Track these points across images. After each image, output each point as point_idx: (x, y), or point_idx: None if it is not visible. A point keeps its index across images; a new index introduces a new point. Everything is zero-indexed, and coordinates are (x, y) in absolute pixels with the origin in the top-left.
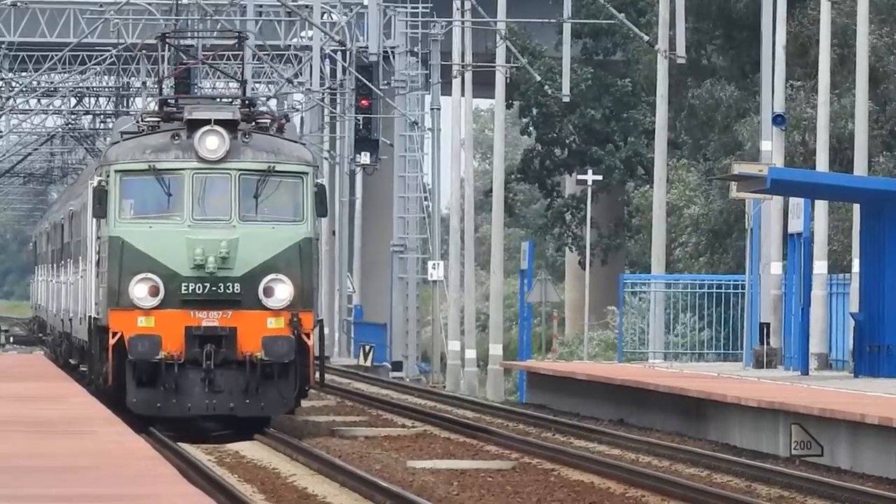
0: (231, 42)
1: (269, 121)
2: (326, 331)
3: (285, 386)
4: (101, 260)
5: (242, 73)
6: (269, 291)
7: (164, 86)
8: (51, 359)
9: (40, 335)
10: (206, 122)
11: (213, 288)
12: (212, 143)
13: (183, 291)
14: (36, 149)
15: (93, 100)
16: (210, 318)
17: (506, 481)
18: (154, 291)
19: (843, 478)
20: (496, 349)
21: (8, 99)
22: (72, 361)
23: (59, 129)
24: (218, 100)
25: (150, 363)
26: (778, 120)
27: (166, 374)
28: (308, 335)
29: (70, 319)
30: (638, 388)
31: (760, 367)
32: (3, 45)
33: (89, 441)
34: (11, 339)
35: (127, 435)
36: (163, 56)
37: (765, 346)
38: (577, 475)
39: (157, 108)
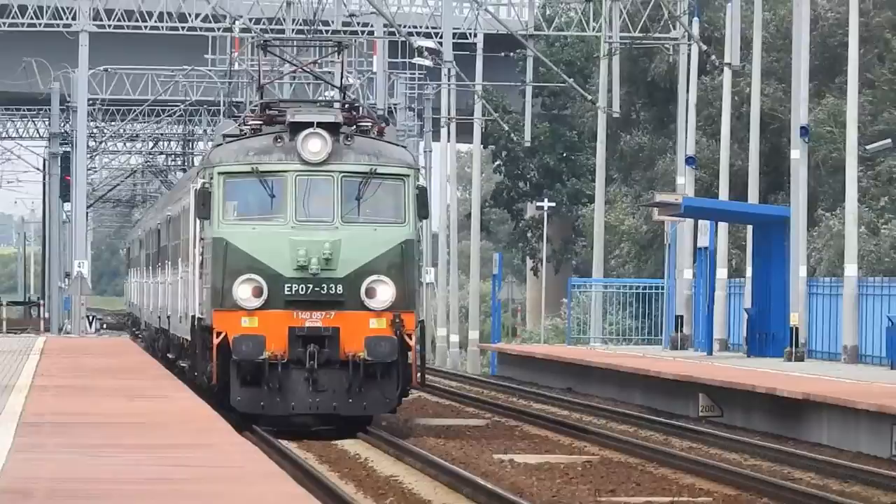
0: (331, 49)
1: (370, 123)
2: None
3: (388, 385)
4: (205, 261)
5: (342, 79)
6: (371, 292)
7: (263, 91)
8: (143, 348)
9: (134, 329)
10: (309, 124)
11: (316, 289)
12: (314, 145)
13: (286, 292)
14: (122, 181)
15: (165, 143)
16: (313, 319)
17: (481, 434)
18: (258, 292)
19: (739, 433)
20: (474, 335)
21: (101, 143)
22: (170, 356)
23: (140, 166)
24: (319, 103)
25: (254, 363)
26: (689, 161)
27: (270, 374)
28: (410, 336)
29: (168, 317)
30: (582, 364)
31: (675, 349)
32: (97, 102)
33: (166, 403)
34: (105, 326)
35: (196, 399)
36: (262, 63)
37: (679, 333)
38: (535, 430)
39: (259, 111)
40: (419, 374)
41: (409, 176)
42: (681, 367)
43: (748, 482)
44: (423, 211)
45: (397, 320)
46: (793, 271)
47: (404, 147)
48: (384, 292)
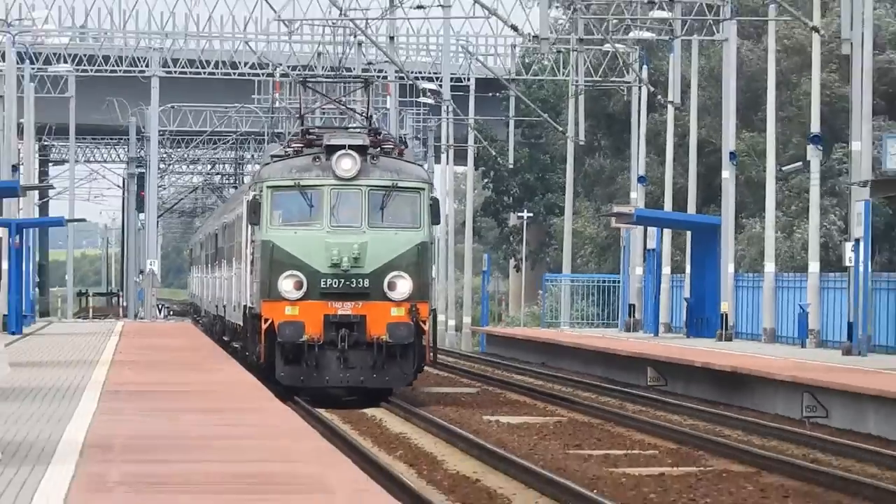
0: (359, 84)
1: (391, 146)
2: None
3: (406, 363)
4: (255, 260)
5: (368, 108)
6: (392, 286)
7: (304, 119)
8: (202, 331)
9: (195, 316)
10: (342, 147)
11: (347, 283)
12: (346, 164)
13: (322, 286)
14: (185, 196)
15: (220, 165)
16: (344, 308)
17: (473, 400)
18: (298, 286)
19: (680, 399)
20: (467, 319)
21: (168, 165)
22: (225, 338)
23: (199, 184)
24: (350, 129)
25: (295, 344)
26: (641, 180)
27: (308, 354)
28: (424, 322)
29: (224, 306)
30: (554, 343)
31: (629, 331)
32: (165, 132)
33: (220, 370)
34: (171, 312)
35: (246, 374)
36: (303, 96)
37: (631, 318)
38: (516, 397)
39: (300, 136)
40: (431, 354)
41: (424, 189)
42: (633, 346)
43: (687, 438)
44: (435, 218)
45: (414, 309)
46: (723, 268)
47: (420, 165)
48: (403, 286)
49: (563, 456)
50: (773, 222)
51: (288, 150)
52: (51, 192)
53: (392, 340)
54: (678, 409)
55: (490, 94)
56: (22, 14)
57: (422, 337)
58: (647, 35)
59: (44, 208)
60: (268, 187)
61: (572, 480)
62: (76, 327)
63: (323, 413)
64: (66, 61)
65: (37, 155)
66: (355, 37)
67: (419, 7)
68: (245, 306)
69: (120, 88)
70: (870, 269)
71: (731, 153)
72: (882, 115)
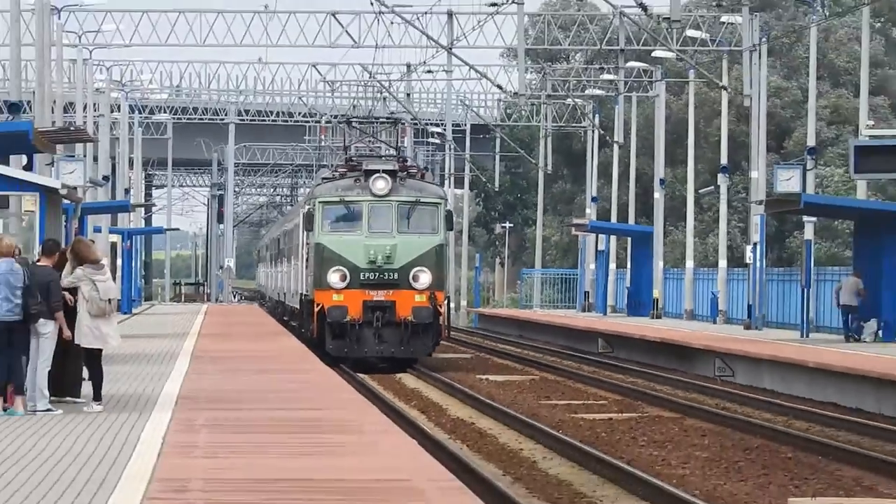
0: (389, 124)
1: (415, 170)
2: None
3: (426, 338)
4: (309, 258)
5: (397, 142)
6: (416, 278)
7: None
8: (266, 312)
9: (261, 301)
10: (377, 171)
11: (381, 276)
12: (380, 184)
13: (361, 278)
14: (253, 211)
15: (280, 189)
16: (378, 295)
17: (468, 364)
18: (343, 278)
19: (623, 363)
20: (464, 302)
21: (241, 189)
22: (285, 318)
23: (264, 203)
24: (384, 157)
25: (340, 323)
26: (594, 199)
27: (351, 331)
28: (440, 306)
29: (284, 293)
30: (528, 320)
31: (584, 311)
32: (239, 164)
33: (280, 342)
34: (242, 298)
35: (301, 346)
36: (348, 133)
37: (587, 301)
38: (500, 361)
39: (345, 163)
40: (446, 331)
41: (440, 204)
42: (587, 322)
43: (629, 392)
44: (449, 226)
45: (433, 296)
46: (655, 265)
47: (438, 185)
48: (424, 278)
49: (536, 405)
50: (692, 230)
51: (335, 173)
52: (153, 209)
53: (416, 320)
54: (622, 369)
55: (481, 136)
56: (133, 77)
57: (439, 318)
58: (598, 92)
59: (148, 220)
60: (319, 202)
61: (543, 423)
62: (172, 309)
63: (362, 376)
64: (165, 112)
65: (143, 181)
66: (381, 93)
67: (428, 71)
68: (301, 294)
69: (205, 132)
70: (764, 266)
71: (660, 179)
72: (772, 151)
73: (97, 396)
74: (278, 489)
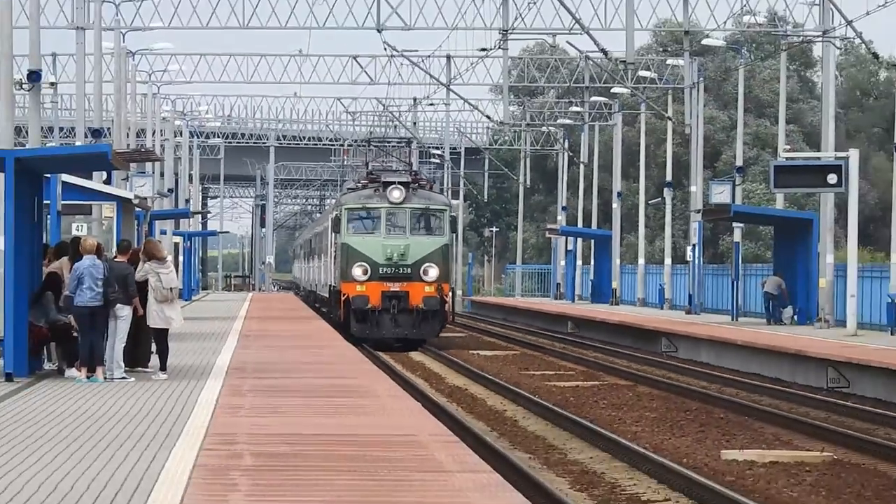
0: (404, 145)
1: (425, 182)
2: None
3: (434, 323)
4: (336, 255)
5: (410, 158)
6: (426, 272)
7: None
8: (300, 299)
9: (296, 290)
10: (393, 182)
11: (396, 270)
12: (396, 193)
13: (380, 272)
14: (289, 217)
15: (311, 199)
16: (394, 286)
17: (462, 342)
18: (365, 272)
19: (588, 341)
20: (459, 292)
21: (279, 199)
22: (317, 305)
23: (298, 210)
24: (399, 171)
25: (363, 310)
26: (564, 209)
27: (371, 316)
28: (446, 296)
29: (316, 284)
30: (511, 306)
31: (556, 299)
32: (278, 179)
33: (312, 324)
34: (280, 288)
35: (329, 328)
36: (369, 151)
37: (558, 291)
38: (488, 339)
39: (366, 176)
40: (451, 317)
41: (446, 210)
42: (559, 308)
43: (592, 364)
44: (453, 229)
45: (440, 287)
46: (613, 261)
47: (443, 194)
48: (433, 272)
49: (518, 375)
50: (643, 234)
51: (358, 185)
52: (208, 216)
53: (426, 307)
54: (586, 346)
55: (473, 157)
56: (192, 108)
57: (445, 306)
58: (567, 121)
59: (204, 225)
60: (345, 209)
61: (523, 389)
62: (223, 296)
63: (379, 353)
64: (218, 136)
65: (200, 193)
66: (392, 122)
67: (431, 104)
68: (329, 285)
69: (250, 153)
70: (701, 263)
71: (618, 192)
72: (707, 170)
73: (163, 367)
74: (308, 441)
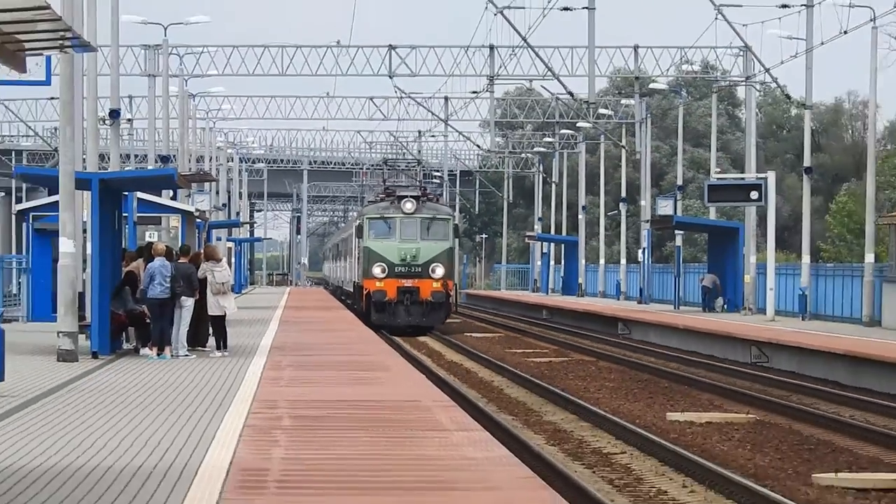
0: (413, 166)
1: (432, 196)
2: None
3: (440, 312)
4: (360, 257)
5: (419, 176)
6: (434, 270)
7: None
8: (329, 293)
9: (326, 286)
10: (406, 196)
11: (409, 269)
12: (409, 205)
13: (396, 270)
14: (319, 227)
15: (336, 212)
16: (408, 282)
17: (458, 327)
18: (383, 271)
19: (560, 325)
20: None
21: (311, 212)
22: (343, 298)
23: (326, 222)
24: (410, 186)
25: (382, 302)
26: (540, 220)
27: (388, 307)
28: (451, 291)
29: (342, 281)
30: (498, 298)
31: (534, 291)
32: (310, 196)
33: (339, 313)
34: (313, 283)
35: (353, 316)
36: (387, 171)
37: (535, 285)
38: (479, 325)
39: (383, 191)
40: (454, 308)
41: (450, 219)
42: (536, 299)
43: (562, 344)
44: (456, 235)
45: (445, 283)
46: (580, 262)
47: (448, 206)
48: (439, 271)
49: (503, 353)
50: (603, 239)
51: (377, 199)
52: (254, 225)
53: (433, 300)
54: (558, 329)
55: (466, 178)
56: (241, 138)
57: (449, 298)
58: (542, 149)
59: (251, 232)
60: (367, 218)
61: (507, 364)
62: (267, 290)
63: (394, 337)
64: (262, 162)
65: (248, 207)
66: (402, 150)
67: (432, 136)
68: (354, 281)
69: (288, 175)
70: (649, 262)
71: (582, 206)
72: (654, 188)
73: (220, 346)
74: (334, 405)
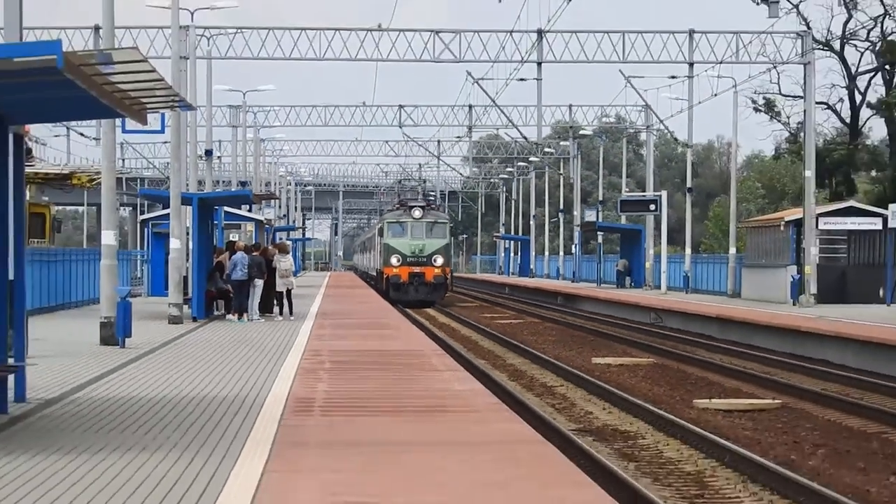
0: (416, 187)
1: (435, 206)
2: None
3: (440, 291)
4: (381, 251)
5: (425, 193)
6: (434, 260)
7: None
8: (358, 277)
9: (354, 271)
10: (415, 206)
11: (417, 259)
12: (417, 213)
13: (407, 260)
14: (351, 230)
15: (362, 220)
16: (416, 269)
17: (447, 300)
18: (398, 260)
19: (517, 297)
20: None
21: (345, 220)
22: (368, 280)
23: (355, 227)
24: (418, 199)
25: (397, 283)
26: (503, 224)
27: (401, 287)
28: (448, 274)
29: (367, 268)
30: (475, 279)
31: (499, 274)
32: (344, 209)
33: (365, 291)
34: (346, 269)
35: (376, 294)
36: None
37: (499, 270)
38: (462, 298)
39: (398, 203)
40: (450, 288)
41: (447, 223)
42: (501, 279)
43: (520, 310)
44: (452, 234)
45: (444, 269)
46: (531, 253)
47: (445, 213)
48: (439, 260)
49: (478, 316)
50: (548, 238)
51: (394, 209)
52: (306, 229)
53: (435, 282)
54: (516, 300)
55: (453, 196)
56: (296, 168)
57: (446, 281)
58: (505, 176)
59: (303, 234)
60: (387, 222)
61: (481, 324)
62: (314, 274)
63: (406, 309)
64: (310, 185)
65: (302, 217)
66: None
67: (429, 167)
68: (376, 268)
69: (329, 194)
70: (580, 253)
71: (533, 215)
72: (584, 203)
73: (282, 312)
74: (361, 354)
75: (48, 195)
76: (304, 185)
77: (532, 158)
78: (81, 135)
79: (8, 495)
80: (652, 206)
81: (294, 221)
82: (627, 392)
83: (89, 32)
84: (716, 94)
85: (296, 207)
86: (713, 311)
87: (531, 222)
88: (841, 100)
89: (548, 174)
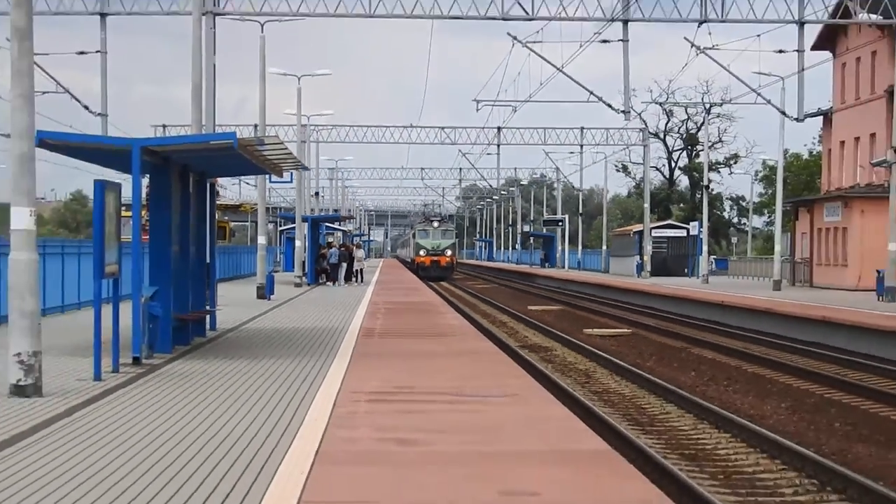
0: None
1: (447, 219)
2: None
3: (450, 272)
4: (414, 247)
5: (439, 214)
6: (446, 252)
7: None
8: (400, 263)
9: (398, 259)
10: (434, 219)
11: (435, 252)
12: (435, 223)
13: (430, 252)
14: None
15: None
16: (435, 258)
17: (457, 278)
18: (424, 253)
19: (497, 277)
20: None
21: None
22: (406, 265)
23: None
24: (435, 215)
25: (424, 266)
26: (482, 233)
27: (427, 269)
28: (454, 262)
29: (405, 258)
30: (474, 265)
31: (488, 261)
32: (392, 225)
33: (403, 272)
34: (392, 257)
35: (412, 275)
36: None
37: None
38: (466, 277)
39: (423, 219)
40: (454, 270)
41: (454, 230)
42: (484, 264)
43: (500, 284)
44: (456, 236)
45: (452, 259)
46: (495, 251)
47: (453, 224)
48: (449, 252)
49: (465, 285)
50: (504, 240)
51: (421, 221)
52: (370, 235)
53: (446, 266)
54: (498, 278)
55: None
56: (361, 195)
57: (453, 265)
58: (482, 205)
59: (368, 238)
60: (417, 229)
61: (476, 292)
62: (374, 261)
63: (428, 282)
64: (372, 210)
65: (367, 228)
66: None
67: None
68: (411, 258)
69: (382, 217)
70: (521, 249)
71: (494, 227)
72: (524, 221)
73: (358, 281)
74: (401, 304)
75: (227, 216)
76: (369, 211)
77: (494, 197)
78: (247, 183)
79: (214, 376)
80: (560, 223)
81: (362, 230)
82: (547, 325)
83: (251, 128)
84: (595, 162)
85: (363, 224)
86: (593, 279)
87: (494, 232)
88: (664, 165)
89: (503, 206)
